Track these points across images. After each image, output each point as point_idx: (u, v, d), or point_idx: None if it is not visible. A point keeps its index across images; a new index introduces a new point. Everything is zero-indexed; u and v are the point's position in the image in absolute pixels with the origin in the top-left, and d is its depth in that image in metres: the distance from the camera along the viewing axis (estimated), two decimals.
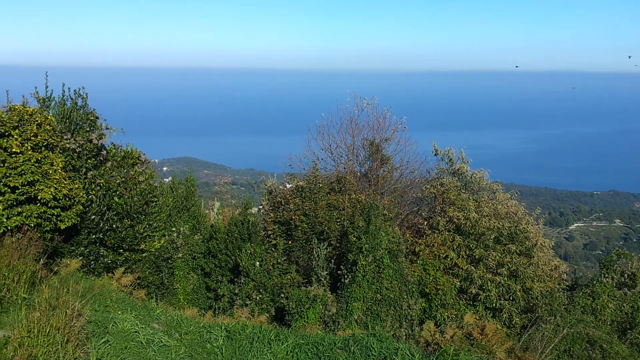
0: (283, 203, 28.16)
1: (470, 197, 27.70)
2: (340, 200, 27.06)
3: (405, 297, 22.66)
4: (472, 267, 26.00)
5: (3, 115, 18.47)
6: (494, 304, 25.68)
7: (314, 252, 24.55)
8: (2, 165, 17.73)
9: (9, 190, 17.59)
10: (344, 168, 30.19)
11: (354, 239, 23.08)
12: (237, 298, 24.71)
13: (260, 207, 32.43)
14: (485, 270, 26.00)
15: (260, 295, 24.41)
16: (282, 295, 24.09)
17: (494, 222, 26.49)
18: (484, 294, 25.72)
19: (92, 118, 21.97)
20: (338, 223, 26.42)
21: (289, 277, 24.95)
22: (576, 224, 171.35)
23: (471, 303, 26.13)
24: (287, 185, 30.11)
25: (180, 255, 26.22)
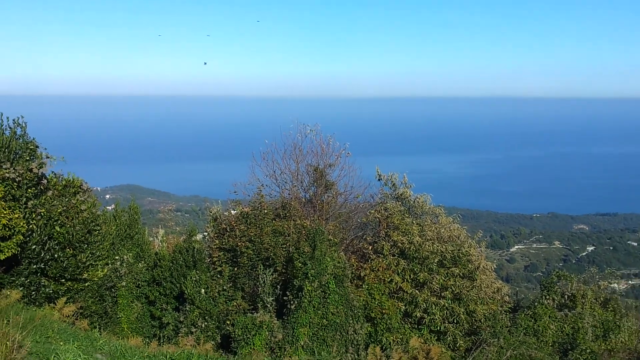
0: (228, 230, 28.07)
1: (414, 221, 28.07)
2: (286, 226, 27.10)
3: (351, 321, 22.77)
4: (417, 291, 26.25)
5: None
6: (438, 327, 25.93)
7: (260, 279, 24.50)
8: None
9: None
10: (289, 194, 30.28)
11: (300, 264, 23.14)
12: (182, 326, 24.46)
13: (206, 234, 32.26)
14: (429, 294, 26.28)
15: (205, 323, 24.22)
16: (228, 322, 23.96)
17: (438, 246, 26.86)
18: (429, 317, 25.96)
19: (32, 147, 21.62)
20: (284, 249, 26.45)
21: (235, 303, 24.84)
22: (517, 246, 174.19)
23: (416, 327, 26.34)
24: (232, 211, 30.04)
25: (124, 283, 25.85)
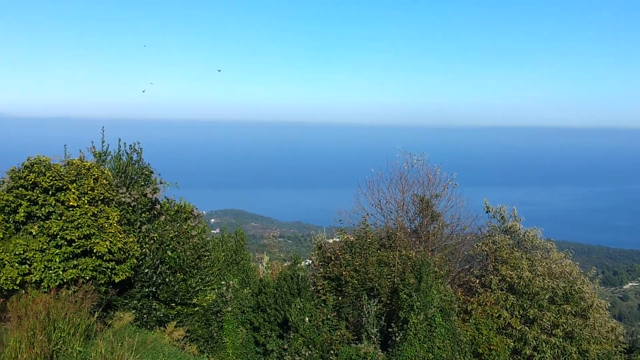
0: (333, 258, 28.05)
1: (523, 256, 27.27)
2: (391, 256, 26.85)
3: (458, 356, 22.24)
4: (526, 328, 25.46)
5: (61, 169, 18.87)
6: None
7: (364, 309, 24.33)
8: (59, 218, 18.06)
9: (66, 243, 17.87)
10: (394, 224, 30.02)
11: (405, 296, 22.84)
12: (286, 354, 24.48)
13: (310, 261, 32.34)
14: (539, 331, 25.44)
15: (309, 352, 24.15)
16: (332, 352, 23.82)
17: (548, 282, 25.99)
18: (539, 356, 25.11)
19: (147, 172, 22.35)
20: (388, 279, 26.18)
21: (339, 333, 24.69)
22: (630, 284, 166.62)
23: None
24: (337, 240, 30.03)
25: (229, 309, 26.14)
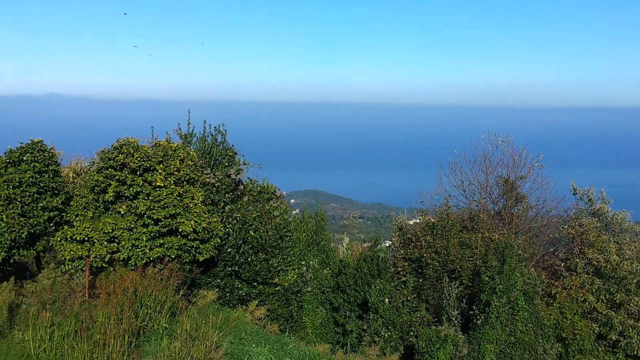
0: (414, 240, 27.91)
1: (611, 239, 26.50)
2: (473, 238, 26.53)
3: (541, 341, 21.88)
4: (613, 312, 24.79)
5: (149, 151, 19.32)
6: (635, 352, 24.35)
7: (445, 291, 24.15)
8: (146, 198, 18.53)
9: (152, 222, 18.34)
10: (477, 206, 29.66)
11: (487, 278, 22.57)
12: (366, 334, 24.57)
13: (390, 242, 32.26)
14: (626, 316, 24.73)
15: (388, 333, 24.17)
16: (412, 334, 23.79)
17: (637, 266, 25.21)
18: (625, 341, 24.44)
19: (231, 154, 22.69)
20: (470, 262, 25.90)
21: (419, 315, 24.63)
22: None
23: (611, 350, 24.88)
24: (418, 221, 29.86)
25: (309, 289, 26.36)
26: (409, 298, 25.02)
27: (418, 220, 30.02)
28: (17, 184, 18.84)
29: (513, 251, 22.61)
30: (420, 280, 26.37)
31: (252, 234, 21.57)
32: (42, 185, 19.26)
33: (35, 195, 19.02)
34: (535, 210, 29.94)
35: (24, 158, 19.54)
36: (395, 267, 28.10)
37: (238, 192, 22.41)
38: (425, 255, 26.32)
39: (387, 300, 24.63)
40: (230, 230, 20.95)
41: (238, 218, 21.37)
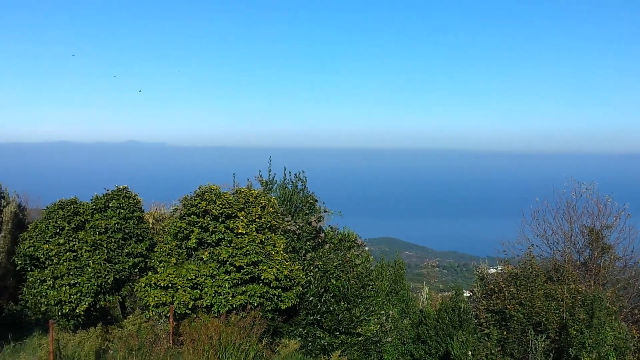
0: (496, 290, 27.18)
1: None
2: (559, 290, 25.66)
3: None
4: None
5: (230, 198, 19.47)
6: None
7: (531, 345, 23.34)
8: (229, 245, 18.60)
9: (235, 269, 18.37)
10: (561, 256, 28.76)
11: (575, 332, 21.71)
12: None
13: (471, 293, 31.56)
14: None
15: None
16: None
17: None
18: None
19: (311, 201, 22.67)
20: (556, 314, 25.01)
21: None
22: None
23: None
24: (499, 271, 29.14)
25: (389, 339, 25.87)
26: (493, 351, 24.24)
27: (500, 270, 29.28)
28: (103, 230, 19.19)
29: (602, 304, 21.76)
30: (504, 332, 25.56)
31: (334, 282, 21.36)
32: (127, 231, 19.59)
33: (120, 241, 19.34)
34: (622, 262, 28.83)
35: (110, 204, 19.94)
36: (477, 318, 27.37)
37: (319, 240, 22.31)
38: (508, 306, 25.55)
39: (470, 353, 23.93)
40: (312, 278, 20.80)
41: (319, 266, 21.22)
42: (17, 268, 19.59)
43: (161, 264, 18.97)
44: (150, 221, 26.96)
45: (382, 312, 26.21)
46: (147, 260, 19.78)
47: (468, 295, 32.31)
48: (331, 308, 20.99)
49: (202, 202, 19.21)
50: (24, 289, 19.33)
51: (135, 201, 20.43)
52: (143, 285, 18.50)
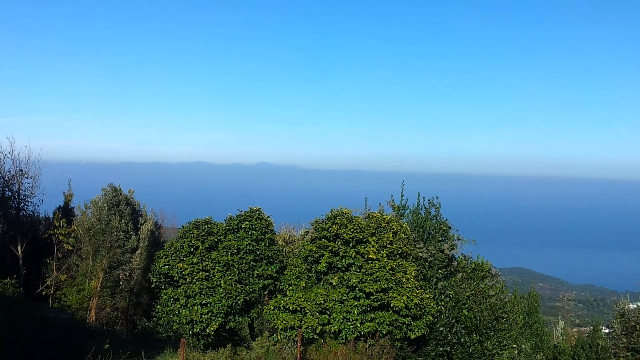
0: (638, 328, 25.61)
1: None
2: None
3: None
4: None
5: (362, 222, 19.27)
6: None
7: None
8: (359, 270, 18.37)
9: (364, 295, 18.10)
10: None
11: None
12: None
13: (609, 329, 29.94)
14: None
15: None
16: None
17: None
18: None
19: (444, 228, 22.15)
20: None
21: None
22: None
23: None
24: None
25: None
26: None
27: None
28: (236, 250, 19.41)
29: None
30: None
31: (466, 313, 20.67)
32: (258, 253, 19.72)
33: (251, 262, 19.49)
34: None
35: (243, 225, 20.17)
36: (616, 356, 25.89)
37: (451, 269, 21.71)
38: None
39: None
40: (443, 308, 20.21)
41: (451, 295, 20.61)
42: (152, 285, 20.09)
43: (290, 287, 18.96)
44: (280, 243, 27.17)
45: (515, 345, 25.21)
46: (276, 282, 19.83)
47: (607, 331, 30.73)
48: (462, 340, 20.28)
49: (334, 225, 19.11)
50: (158, 306, 19.80)
51: (267, 223, 20.58)
52: (272, 307, 18.54)
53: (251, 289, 19.14)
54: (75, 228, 28.61)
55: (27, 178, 30.08)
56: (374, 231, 19.15)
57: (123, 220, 30.33)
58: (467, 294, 21.03)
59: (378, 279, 18.06)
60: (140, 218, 33.35)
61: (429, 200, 22.86)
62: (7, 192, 29.72)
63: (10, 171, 29.64)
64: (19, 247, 28.15)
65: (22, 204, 30.10)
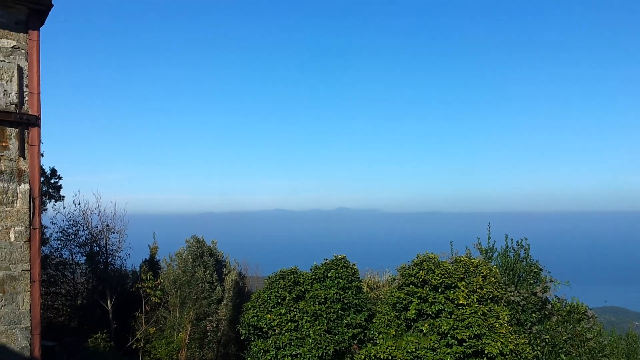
0: None
1: None
2: None
3: None
4: None
5: (449, 267, 18.86)
6: None
7: None
8: (449, 316, 17.91)
9: (456, 342, 17.58)
10: None
11: None
12: None
13: None
14: None
15: None
16: None
17: None
18: None
19: (536, 270, 21.51)
20: None
21: None
22: None
23: None
24: None
25: None
26: None
27: None
28: (323, 300, 19.27)
29: None
30: None
31: (564, 358, 19.84)
32: (346, 301, 19.54)
33: (339, 311, 19.30)
34: None
35: (329, 274, 20.07)
36: None
37: (545, 312, 20.95)
38: None
39: None
40: (539, 353, 19.46)
41: (547, 340, 19.84)
42: (241, 337, 20.09)
43: (380, 336, 18.63)
44: (365, 289, 26.91)
45: None
46: (365, 331, 19.55)
47: None
48: None
49: (421, 271, 18.74)
50: (248, 358, 19.76)
51: (352, 271, 20.43)
52: (363, 357, 18.21)
53: (340, 339, 18.90)
54: (162, 281, 29.09)
55: (113, 233, 30.93)
56: (462, 276, 18.69)
57: (208, 272, 30.64)
58: (564, 337, 20.23)
59: (470, 324, 17.54)
60: (224, 268, 33.66)
61: (517, 241, 22.29)
62: (95, 248, 30.55)
63: (97, 227, 30.56)
64: (108, 302, 28.75)
65: (110, 259, 30.91)
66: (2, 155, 11.30)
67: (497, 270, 19.85)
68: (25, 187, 11.61)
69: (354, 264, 20.80)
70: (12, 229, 11.46)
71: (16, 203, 11.50)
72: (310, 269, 20.72)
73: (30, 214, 11.66)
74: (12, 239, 11.44)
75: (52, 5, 11.76)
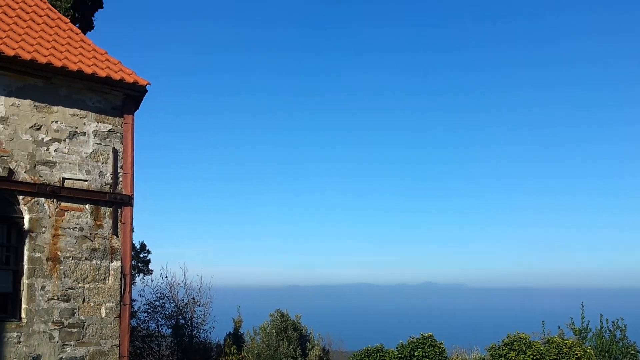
0: None
1: None
2: None
3: None
4: None
5: (542, 347, 18.28)
6: None
7: None
8: None
9: None
10: None
11: None
12: None
13: None
14: None
15: None
16: None
17: None
18: None
19: (633, 352, 20.54)
20: None
21: None
22: None
23: None
24: None
25: None
26: None
27: None
28: None
29: None
30: None
31: None
32: None
33: None
34: None
35: (415, 353, 19.64)
36: None
37: None
38: None
39: None
40: None
41: None
42: None
43: None
44: None
45: None
46: None
47: None
48: None
49: (511, 352, 18.16)
50: None
51: (440, 350, 19.91)
52: None
53: None
54: (246, 355, 29.01)
55: (199, 306, 31.16)
56: (555, 357, 18.02)
57: (291, 346, 30.39)
58: None
59: None
60: (308, 343, 33.34)
61: (612, 321, 21.39)
62: (181, 320, 30.82)
63: (183, 300, 30.89)
64: None
65: (195, 331, 31.07)
66: (96, 234, 11.60)
67: (592, 352, 19.04)
68: (117, 264, 11.86)
69: (441, 343, 20.28)
70: (104, 305, 11.68)
71: (108, 280, 11.74)
72: (397, 347, 20.31)
73: (121, 291, 11.87)
74: (103, 315, 11.64)
75: (147, 91, 12.19)
